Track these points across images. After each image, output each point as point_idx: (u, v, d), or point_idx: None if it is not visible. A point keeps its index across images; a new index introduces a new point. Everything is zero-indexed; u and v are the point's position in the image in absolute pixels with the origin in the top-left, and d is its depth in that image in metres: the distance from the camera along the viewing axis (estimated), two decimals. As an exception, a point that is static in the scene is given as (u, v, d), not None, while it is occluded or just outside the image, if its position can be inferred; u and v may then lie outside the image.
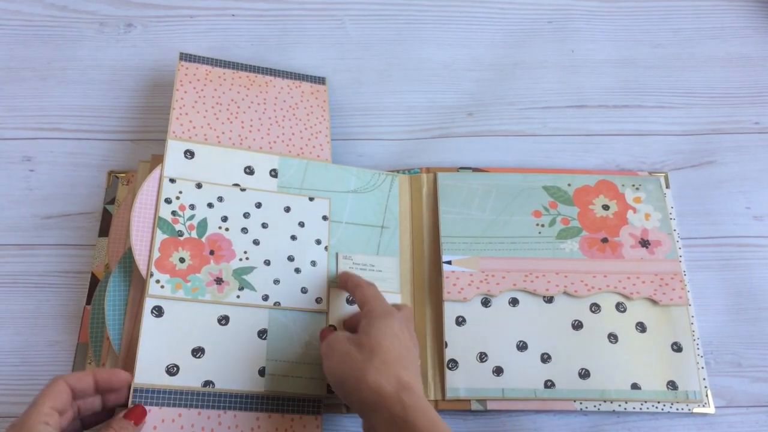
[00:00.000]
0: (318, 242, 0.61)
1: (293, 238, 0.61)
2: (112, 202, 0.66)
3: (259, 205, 0.61)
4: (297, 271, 0.60)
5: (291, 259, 0.60)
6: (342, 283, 0.58)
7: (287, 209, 0.61)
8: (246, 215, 0.60)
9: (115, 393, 0.51)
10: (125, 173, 0.68)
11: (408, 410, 0.46)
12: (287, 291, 0.59)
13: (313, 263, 0.60)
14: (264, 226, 0.60)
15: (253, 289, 0.58)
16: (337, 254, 0.61)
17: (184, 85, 0.65)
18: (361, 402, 0.48)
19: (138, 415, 0.51)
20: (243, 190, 0.61)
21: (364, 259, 0.62)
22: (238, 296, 0.57)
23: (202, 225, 0.59)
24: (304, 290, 0.59)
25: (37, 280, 0.64)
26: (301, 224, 0.61)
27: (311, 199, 0.62)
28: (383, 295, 0.55)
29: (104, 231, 0.65)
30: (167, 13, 0.78)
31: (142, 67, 0.75)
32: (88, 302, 0.62)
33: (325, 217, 0.61)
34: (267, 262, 0.59)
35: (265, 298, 0.58)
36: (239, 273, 0.58)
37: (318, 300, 0.59)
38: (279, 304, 0.58)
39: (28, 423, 0.45)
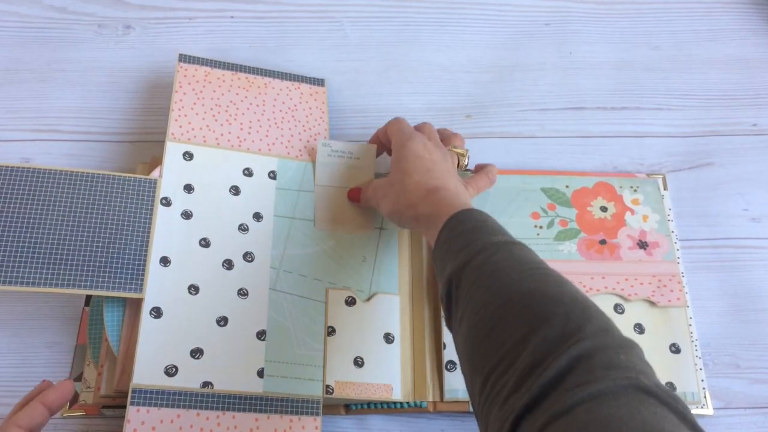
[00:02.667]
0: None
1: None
2: (110, 203, 0.66)
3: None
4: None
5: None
6: (373, 140, 0.65)
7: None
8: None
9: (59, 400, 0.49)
10: (124, 175, 0.68)
11: (434, 206, 0.53)
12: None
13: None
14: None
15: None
16: (318, 142, 0.64)
17: (183, 87, 0.65)
18: (408, 221, 0.56)
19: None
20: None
21: (342, 147, 0.64)
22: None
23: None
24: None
25: (35, 281, 0.64)
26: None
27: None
28: (406, 125, 0.61)
29: (103, 232, 0.65)
30: (166, 14, 0.78)
31: (141, 69, 0.75)
32: (87, 304, 0.62)
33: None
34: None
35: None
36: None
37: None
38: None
39: None
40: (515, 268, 0.45)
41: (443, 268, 0.50)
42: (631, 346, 0.39)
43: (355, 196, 0.63)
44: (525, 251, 0.47)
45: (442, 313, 0.51)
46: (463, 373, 0.46)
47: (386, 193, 0.58)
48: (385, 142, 0.64)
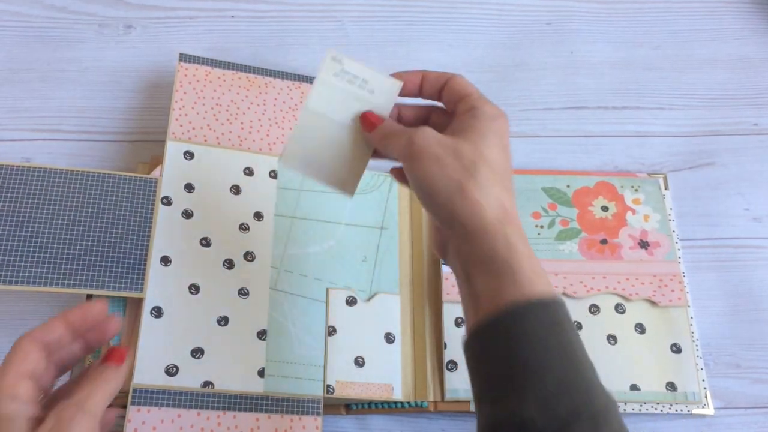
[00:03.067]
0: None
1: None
2: (111, 203, 0.66)
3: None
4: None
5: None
6: (414, 77, 0.46)
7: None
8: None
9: (94, 331, 0.42)
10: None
11: (512, 246, 0.39)
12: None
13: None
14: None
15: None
16: (328, 52, 0.47)
17: (184, 86, 0.65)
18: (452, 218, 0.40)
19: (118, 356, 0.40)
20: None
21: (358, 70, 0.47)
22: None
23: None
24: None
25: (36, 281, 0.64)
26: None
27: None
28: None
29: (103, 232, 0.65)
30: (167, 14, 0.78)
31: (142, 69, 0.75)
32: (88, 303, 0.62)
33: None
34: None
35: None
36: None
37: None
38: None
39: None
40: None
41: (503, 392, 0.37)
42: None
43: (372, 122, 0.46)
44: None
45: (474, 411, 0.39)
46: None
47: (441, 156, 0.40)
48: (428, 90, 0.46)
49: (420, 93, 0.47)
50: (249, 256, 0.60)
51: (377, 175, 0.67)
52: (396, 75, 0.46)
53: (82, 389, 0.38)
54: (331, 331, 0.59)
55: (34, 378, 0.38)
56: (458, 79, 0.45)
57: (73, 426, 0.36)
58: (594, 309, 0.62)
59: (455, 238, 0.41)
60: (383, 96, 0.46)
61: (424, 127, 0.42)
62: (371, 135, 0.45)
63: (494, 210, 0.39)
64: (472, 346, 0.40)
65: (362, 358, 0.59)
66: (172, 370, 0.54)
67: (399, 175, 0.46)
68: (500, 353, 0.38)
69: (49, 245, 0.55)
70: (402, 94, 0.47)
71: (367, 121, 0.46)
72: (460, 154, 0.40)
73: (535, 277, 0.38)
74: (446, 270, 0.63)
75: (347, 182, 0.47)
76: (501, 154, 0.41)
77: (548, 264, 0.64)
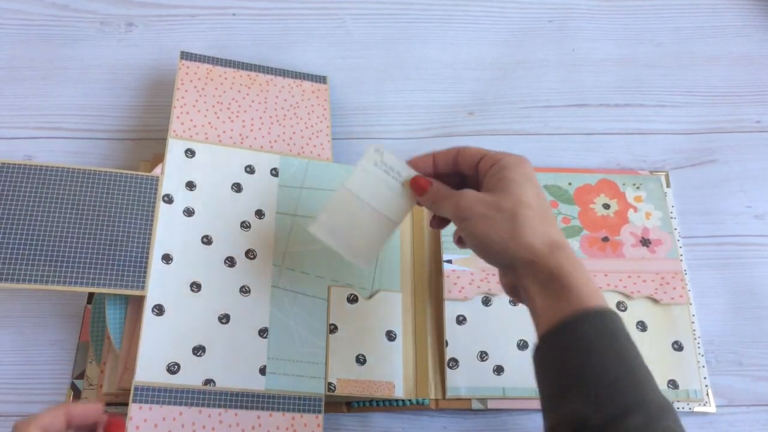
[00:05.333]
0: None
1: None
2: (113, 201, 0.66)
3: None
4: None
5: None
6: (424, 160, 0.52)
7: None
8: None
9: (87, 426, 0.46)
10: (126, 172, 0.68)
11: (563, 269, 0.43)
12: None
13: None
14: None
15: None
16: (371, 146, 0.53)
17: (185, 84, 0.65)
18: (513, 261, 0.45)
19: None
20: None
21: (394, 163, 0.52)
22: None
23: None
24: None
25: (38, 279, 0.64)
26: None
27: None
28: None
29: (105, 230, 0.65)
30: (168, 12, 0.78)
31: (143, 67, 0.75)
32: (89, 301, 0.63)
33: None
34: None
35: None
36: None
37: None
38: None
39: None
40: None
41: (565, 387, 0.41)
42: None
43: (422, 184, 0.51)
44: (677, 421, 0.40)
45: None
46: None
47: (487, 214, 0.46)
48: (443, 166, 0.51)
49: (435, 170, 0.52)
50: (250, 254, 0.60)
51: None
52: (409, 162, 0.52)
53: None
54: (333, 328, 0.59)
55: None
56: (466, 148, 0.50)
57: None
58: (595, 307, 0.62)
59: (518, 277, 0.46)
60: (408, 186, 0.52)
61: (466, 191, 0.48)
62: (423, 199, 0.51)
63: (542, 245, 0.44)
64: (536, 359, 0.44)
65: (363, 356, 0.59)
66: (173, 368, 0.54)
67: (457, 239, 0.52)
68: (558, 361, 0.42)
69: (51, 243, 0.55)
70: (420, 171, 0.52)
71: (417, 185, 0.51)
72: (501, 207, 0.45)
73: (588, 292, 0.43)
74: (447, 268, 0.63)
75: (366, 257, 0.53)
76: (535, 195, 0.46)
77: (550, 262, 0.63)
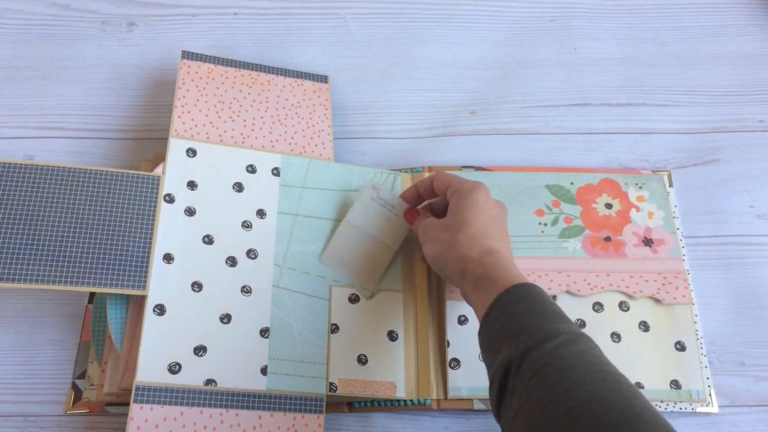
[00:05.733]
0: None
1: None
2: (114, 200, 0.66)
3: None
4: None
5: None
6: (410, 191, 0.62)
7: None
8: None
9: None
10: (127, 172, 0.68)
11: (488, 269, 0.50)
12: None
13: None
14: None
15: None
16: (368, 183, 0.63)
17: (186, 84, 0.65)
18: (452, 273, 0.53)
19: None
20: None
21: (389, 198, 0.62)
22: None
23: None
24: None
25: (39, 278, 0.64)
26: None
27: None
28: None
29: (106, 230, 0.65)
30: (169, 11, 0.78)
31: (144, 66, 0.75)
32: (90, 301, 0.62)
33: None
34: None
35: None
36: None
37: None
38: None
39: None
40: (586, 368, 0.42)
41: (496, 347, 0.46)
42: None
43: (411, 217, 0.61)
44: (594, 348, 0.45)
45: (489, 397, 0.47)
46: None
47: (437, 236, 0.55)
48: (425, 194, 0.60)
49: (420, 199, 0.61)
50: (252, 254, 0.59)
51: (380, 173, 0.66)
52: (401, 196, 0.62)
53: None
54: (334, 328, 0.59)
55: None
56: (438, 175, 0.59)
57: None
58: (598, 307, 0.62)
59: (460, 287, 0.54)
60: (401, 215, 0.62)
61: (429, 219, 0.58)
62: (412, 227, 0.61)
63: (474, 254, 0.52)
64: (480, 345, 0.50)
65: (365, 356, 0.59)
66: (174, 368, 0.54)
67: (422, 258, 0.62)
68: (489, 336, 0.48)
69: (52, 243, 0.55)
70: (410, 203, 0.62)
71: (408, 217, 0.61)
72: (447, 229, 0.54)
73: (510, 277, 0.49)
74: (449, 267, 0.63)
75: (372, 280, 0.61)
76: (475, 217, 0.53)
77: (552, 262, 0.63)
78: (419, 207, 0.62)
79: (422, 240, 0.57)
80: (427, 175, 0.68)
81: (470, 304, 0.53)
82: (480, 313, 0.50)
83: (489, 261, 0.51)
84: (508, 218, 0.56)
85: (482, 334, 0.49)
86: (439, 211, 0.60)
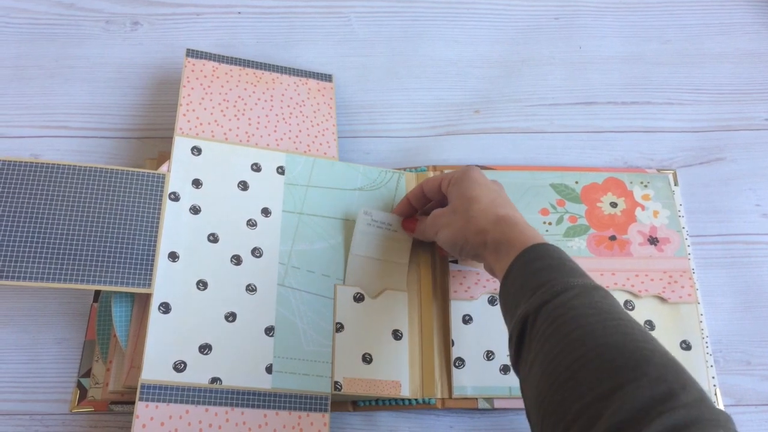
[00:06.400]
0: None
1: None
2: (118, 199, 0.66)
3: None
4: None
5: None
6: (403, 204, 0.63)
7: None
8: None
9: None
10: (132, 171, 0.68)
11: (505, 234, 0.51)
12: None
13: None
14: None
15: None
16: (360, 211, 0.62)
17: (191, 82, 0.65)
18: (473, 248, 0.54)
19: None
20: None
21: (383, 217, 0.63)
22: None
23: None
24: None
25: (44, 277, 0.64)
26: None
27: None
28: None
29: (111, 228, 0.65)
30: (174, 10, 0.78)
31: (149, 65, 0.75)
32: (95, 299, 0.63)
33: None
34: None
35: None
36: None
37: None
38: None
39: None
40: (599, 316, 0.42)
41: (515, 304, 0.48)
42: (726, 420, 0.36)
43: (410, 226, 0.62)
44: (608, 298, 0.45)
45: (508, 353, 0.48)
46: (528, 418, 0.44)
47: (449, 222, 0.56)
48: (417, 202, 0.62)
49: (413, 209, 0.63)
50: (256, 252, 0.59)
51: (384, 172, 0.66)
52: (393, 212, 0.64)
53: None
54: (339, 327, 0.59)
55: None
56: (426, 180, 0.60)
57: None
58: (603, 305, 0.62)
59: (482, 260, 0.55)
60: (404, 234, 0.63)
61: (434, 212, 0.58)
62: (414, 235, 0.62)
63: (490, 224, 0.53)
64: (500, 305, 0.51)
65: (370, 355, 0.58)
66: (180, 366, 0.54)
67: (439, 250, 0.64)
68: (509, 294, 0.49)
69: (57, 241, 0.55)
70: (406, 216, 0.63)
71: (406, 227, 0.63)
72: (456, 210, 0.56)
73: (527, 239, 0.50)
74: (453, 267, 0.63)
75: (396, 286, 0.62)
76: (480, 191, 0.55)
77: (557, 260, 0.63)
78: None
79: (433, 231, 0.58)
80: (431, 174, 0.68)
81: (493, 274, 0.53)
82: (500, 275, 0.51)
83: (505, 226, 0.52)
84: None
85: (502, 294, 0.50)
86: (419, 208, 0.62)
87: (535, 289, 0.46)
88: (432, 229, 0.58)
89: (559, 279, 0.46)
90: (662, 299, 0.62)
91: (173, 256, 0.57)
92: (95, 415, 0.59)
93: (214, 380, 0.54)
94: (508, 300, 0.49)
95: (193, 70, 0.66)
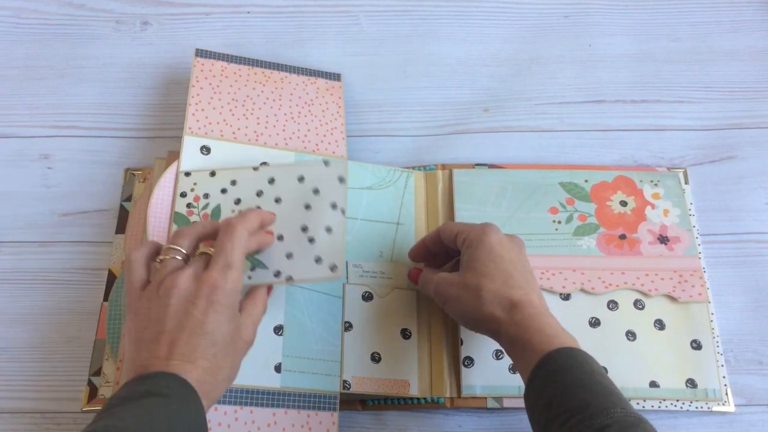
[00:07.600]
0: (333, 206, 0.57)
1: (307, 207, 0.57)
2: (128, 199, 0.66)
3: (272, 181, 0.59)
4: (311, 240, 0.56)
5: (305, 229, 0.57)
6: (418, 247, 0.60)
7: (301, 179, 0.59)
8: (259, 194, 0.59)
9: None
10: (142, 170, 0.68)
11: (522, 329, 0.49)
12: (300, 263, 0.56)
13: (328, 230, 0.57)
14: (277, 200, 0.58)
15: (264, 267, 0.56)
16: (347, 262, 0.61)
17: (200, 81, 0.65)
18: (485, 333, 0.52)
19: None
20: (256, 169, 0.60)
21: (374, 266, 0.62)
22: (249, 277, 0.55)
23: (216, 212, 0.59)
24: (318, 260, 0.56)
25: (55, 276, 0.64)
26: (316, 191, 0.58)
27: (326, 163, 0.59)
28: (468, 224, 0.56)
29: (121, 228, 0.65)
30: (183, 10, 0.78)
31: (159, 65, 0.75)
32: (106, 299, 0.63)
33: (341, 179, 0.58)
34: (280, 237, 0.56)
35: (277, 274, 0.55)
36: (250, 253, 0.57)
37: (333, 267, 0.55)
38: (291, 278, 0.55)
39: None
40: None
41: (546, 423, 0.45)
42: None
43: (414, 277, 0.60)
44: None
45: None
46: None
47: (458, 295, 0.52)
48: (433, 246, 0.58)
49: (429, 252, 0.59)
50: (265, 252, 0.59)
51: (393, 171, 0.66)
52: (409, 253, 0.61)
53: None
54: (348, 326, 0.59)
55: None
56: (444, 225, 0.57)
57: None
58: (612, 305, 0.62)
59: (500, 344, 0.52)
60: (399, 276, 0.62)
61: (441, 276, 0.55)
62: (416, 285, 0.60)
63: (502, 311, 0.50)
64: (526, 404, 0.49)
65: (378, 354, 0.58)
66: (189, 365, 0.54)
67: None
68: (536, 402, 0.47)
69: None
70: (419, 260, 0.61)
71: (411, 278, 0.60)
72: (467, 285, 0.52)
73: (547, 338, 0.48)
74: (463, 265, 0.63)
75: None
76: (495, 265, 0.51)
77: (566, 260, 0.63)
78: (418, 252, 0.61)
79: (441, 299, 0.55)
80: (440, 172, 0.68)
81: (510, 357, 0.51)
82: (523, 375, 0.49)
83: (521, 318, 0.49)
84: (522, 217, 0.55)
85: (529, 398, 0.48)
86: (437, 252, 0.59)
87: (569, 414, 0.44)
88: (439, 297, 0.55)
89: (594, 404, 0.43)
90: (672, 298, 0.62)
91: (183, 256, 0.57)
92: (106, 414, 0.59)
93: (224, 379, 0.54)
94: (535, 410, 0.47)
95: (202, 70, 0.66)
